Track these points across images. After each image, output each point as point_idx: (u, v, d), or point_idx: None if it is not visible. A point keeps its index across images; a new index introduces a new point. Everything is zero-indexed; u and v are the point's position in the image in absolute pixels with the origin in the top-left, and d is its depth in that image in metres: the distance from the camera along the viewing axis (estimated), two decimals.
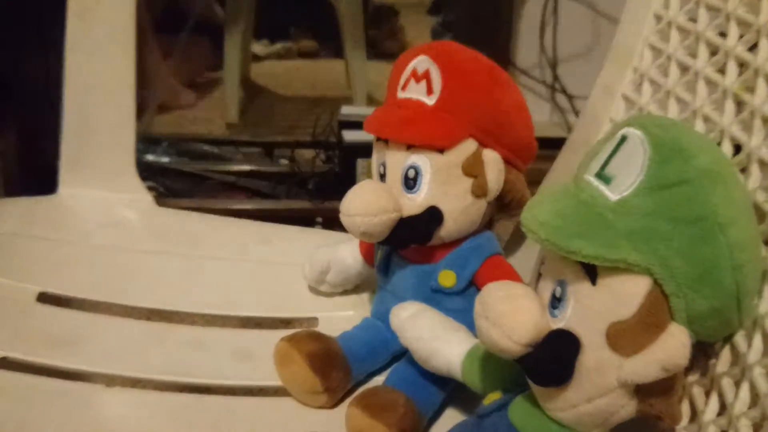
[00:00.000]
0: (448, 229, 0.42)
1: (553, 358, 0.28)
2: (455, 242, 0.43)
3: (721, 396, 0.34)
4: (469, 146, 0.41)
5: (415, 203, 0.41)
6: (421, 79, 0.41)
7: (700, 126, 0.42)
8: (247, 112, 1.45)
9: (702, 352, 0.37)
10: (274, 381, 0.44)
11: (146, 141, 1.17)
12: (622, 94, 0.50)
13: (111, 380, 0.49)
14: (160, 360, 0.47)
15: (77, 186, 0.60)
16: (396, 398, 0.39)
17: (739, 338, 0.34)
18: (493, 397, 0.35)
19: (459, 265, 0.42)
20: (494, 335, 0.28)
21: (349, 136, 1.03)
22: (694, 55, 0.44)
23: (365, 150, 0.98)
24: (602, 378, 0.28)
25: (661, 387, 0.29)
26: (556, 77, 1.19)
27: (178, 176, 1.11)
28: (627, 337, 0.27)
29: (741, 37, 0.41)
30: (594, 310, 0.28)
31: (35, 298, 0.50)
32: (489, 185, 0.42)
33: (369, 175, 0.45)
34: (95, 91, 0.60)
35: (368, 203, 0.40)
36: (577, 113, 1.16)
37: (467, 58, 0.43)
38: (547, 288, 0.30)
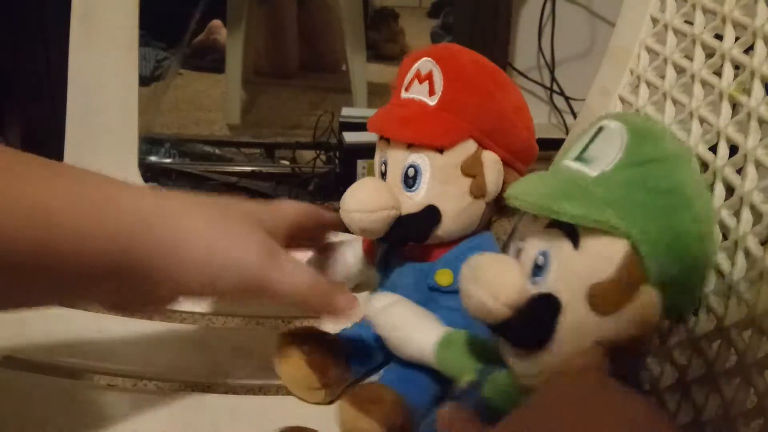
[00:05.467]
0: (446, 228, 0.42)
1: (536, 319, 0.30)
2: (453, 242, 0.43)
3: (720, 395, 0.35)
4: (468, 147, 0.41)
5: (413, 202, 0.41)
6: (424, 80, 0.42)
7: (696, 127, 0.43)
8: (248, 114, 1.46)
9: (700, 352, 0.37)
10: (275, 380, 0.45)
11: (149, 142, 1.17)
12: (619, 95, 0.50)
13: (112, 378, 0.50)
14: (162, 359, 0.47)
15: None
16: (384, 393, 0.39)
17: (738, 338, 0.35)
18: (467, 380, 0.36)
19: (456, 264, 0.43)
20: (483, 296, 0.30)
21: (350, 137, 1.03)
22: (690, 57, 0.45)
23: (366, 151, 0.99)
24: (581, 337, 0.30)
25: (630, 349, 0.31)
26: (554, 79, 1.20)
27: (180, 177, 1.12)
28: (606, 296, 0.29)
29: (737, 39, 0.41)
30: (576, 272, 0.29)
31: None
32: (488, 186, 0.42)
33: (370, 176, 0.45)
34: (98, 91, 0.61)
35: (367, 200, 0.40)
36: (574, 115, 1.16)
37: (469, 60, 0.43)
38: (528, 259, 0.31)
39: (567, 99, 1.19)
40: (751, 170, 0.37)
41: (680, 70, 0.45)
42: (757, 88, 0.38)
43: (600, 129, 0.32)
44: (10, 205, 0.27)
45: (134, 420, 0.42)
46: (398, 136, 0.42)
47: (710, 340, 0.37)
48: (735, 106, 0.40)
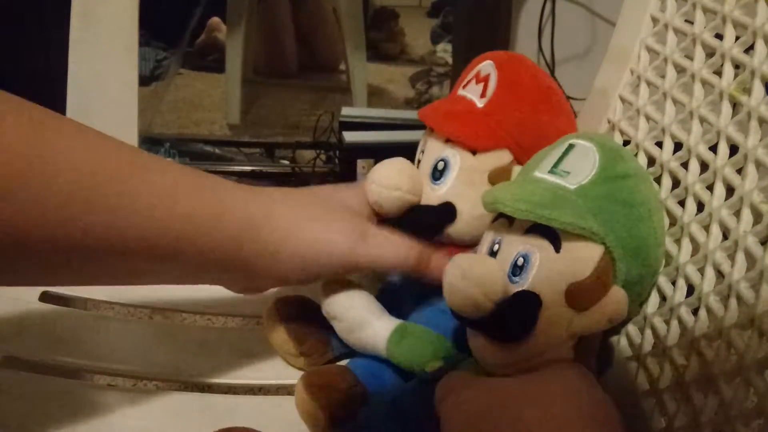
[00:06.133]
0: (459, 229, 0.42)
1: (520, 314, 0.32)
2: (464, 248, 0.43)
3: (719, 395, 0.35)
4: (502, 156, 0.42)
5: (435, 195, 0.42)
6: (480, 81, 0.43)
7: (696, 127, 0.43)
8: (248, 113, 1.46)
9: (699, 353, 0.37)
10: (276, 380, 0.45)
11: (148, 141, 1.17)
12: (620, 95, 0.50)
13: (113, 379, 0.50)
14: (162, 358, 0.47)
15: None
16: (339, 381, 0.40)
17: (737, 337, 0.35)
18: (435, 366, 0.37)
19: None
20: (473, 291, 0.32)
21: (350, 137, 1.03)
22: (690, 56, 0.45)
23: (365, 151, 0.99)
24: (555, 331, 0.33)
25: (591, 343, 0.35)
26: (554, 79, 1.20)
27: None
28: (582, 294, 0.33)
29: (737, 38, 0.41)
30: (557, 272, 0.33)
31: (37, 298, 0.50)
32: None
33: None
34: (98, 91, 0.61)
35: (387, 177, 0.41)
36: (575, 114, 1.16)
37: (528, 74, 0.44)
38: (506, 259, 0.34)
39: (567, 98, 1.19)
40: (751, 170, 0.37)
41: (680, 70, 0.45)
42: (758, 87, 0.38)
43: (570, 146, 0.36)
44: (169, 213, 0.34)
45: (135, 419, 0.42)
46: (439, 127, 0.43)
47: (709, 341, 0.37)
48: (735, 106, 0.40)
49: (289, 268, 0.38)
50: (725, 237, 0.38)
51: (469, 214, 0.42)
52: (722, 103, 0.41)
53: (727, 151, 0.40)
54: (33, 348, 0.46)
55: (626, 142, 0.49)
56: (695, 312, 0.38)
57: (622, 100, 0.50)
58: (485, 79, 0.43)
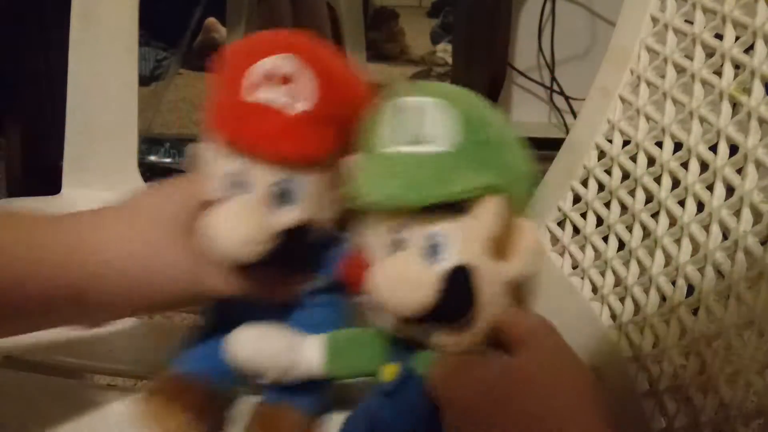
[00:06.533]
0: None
1: (459, 290, 0.32)
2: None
3: (718, 395, 0.35)
4: (337, 156, 0.38)
5: (287, 218, 0.37)
6: (283, 81, 0.36)
7: (696, 127, 0.43)
8: None
9: (699, 353, 0.37)
10: None
11: (149, 142, 1.17)
12: (619, 95, 0.50)
13: (113, 379, 0.50)
14: (162, 358, 0.47)
15: (80, 186, 0.60)
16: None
17: (736, 337, 0.35)
18: (392, 370, 0.35)
19: (319, 267, 0.40)
20: (407, 293, 0.32)
21: None
22: (690, 56, 0.45)
23: None
24: (494, 287, 0.33)
25: (518, 294, 0.35)
26: (554, 79, 1.20)
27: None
28: (501, 242, 0.33)
29: (737, 38, 0.41)
30: (471, 238, 0.32)
31: None
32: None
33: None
34: (98, 91, 0.61)
35: (237, 236, 0.36)
36: (574, 114, 1.16)
37: (337, 60, 0.39)
38: (416, 246, 0.33)
39: (567, 98, 1.19)
40: (751, 170, 0.37)
41: (680, 70, 0.45)
42: (757, 87, 0.38)
43: (414, 107, 0.34)
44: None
45: (134, 420, 0.42)
46: (272, 150, 0.36)
47: (709, 341, 0.37)
48: (735, 106, 0.40)
49: (128, 304, 0.36)
50: (725, 237, 0.38)
51: (327, 218, 0.39)
52: (722, 103, 0.41)
53: (727, 151, 0.40)
54: (32, 348, 0.46)
55: (626, 142, 0.49)
56: (695, 312, 0.38)
57: (622, 100, 0.50)
58: (291, 79, 0.36)
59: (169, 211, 0.37)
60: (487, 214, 0.32)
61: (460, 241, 0.32)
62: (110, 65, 0.61)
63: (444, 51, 2.07)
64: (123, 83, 0.61)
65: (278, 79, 0.36)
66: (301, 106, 0.36)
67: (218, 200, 0.37)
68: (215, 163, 0.38)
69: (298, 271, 0.40)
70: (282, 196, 0.37)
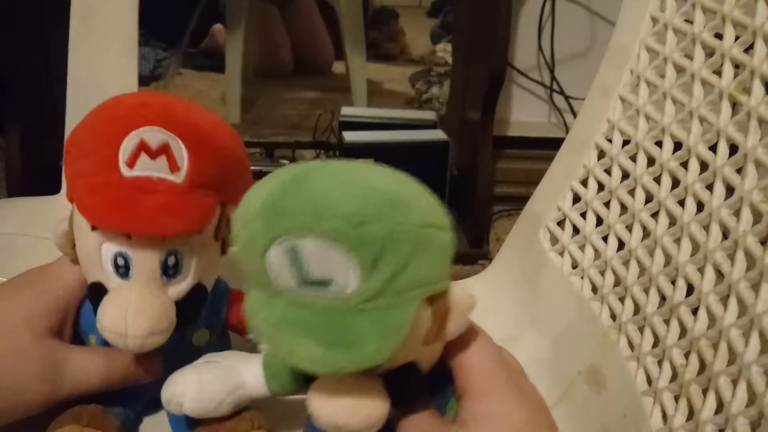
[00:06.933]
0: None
1: (403, 380, 0.30)
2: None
3: (718, 395, 0.35)
4: (218, 214, 0.38)
5: (178, 289, 0.37)
6: (157, 155, 0.35)
7: (696, 127, 0.43)
8: (248, 113, 1.46)
9: (699, 352, 0.37)
10: None
11: None
12: (619, 95, 0.50)
13: None
14: None
15: None
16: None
17: (737, 337, 0.35)
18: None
19: (210, 320, 0.41)
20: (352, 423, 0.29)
21: (350, 136, 1.03)
22: (690, 56, 0.45)
23: (366, 150, 0.99)
24: (436, 354, 0.31)
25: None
26: (554, 78, 1.20)
27: None
28: (436, 334, 0.30)
29: (737, 38, 0.41)
30: (409, 349, 0.29)
31: None
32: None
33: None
34: (97, 91, 0.60)
35: (141, 324, 0.34)
36: (574, 114, 1.16)
37: (206, 122, 0.37)
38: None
39: (567, 98, 1.19)
40: (751, 169, 0.37)
41: (680, 70, 0.45)
42: (757, 87, 0.38)
43: (292, 252, 0.26)
44: None
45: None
46: (158, 229, 0.34)
47: (709, 340, 0.37)
48: (735, 106, 0.40)
49: None
50: (725, 237, 0.38)
51: (213, 277, 0.39)
52: (722, 103, 0.41)
53: (727, 151, 0.40)
54: None
55: (626, 142, 0.49)
56: (695, 312, 0.38)
57: (622, 99, 0.50)
58: (164, 150, 0.34)
59: (19, 317, 0.36)
60: (419, 329, 0.29)
61: (396, 355, 0.28)
62: (110, 65, 0.61)
63: (444, 51, 2.07)
64: (123, 83, 0.61)
65: (152, 152, 0.34)
66: (177, 178, 0.35)
67: (97, 285, 0.36)
68: (90, 244, 0.35)
69: (190, 329, 0.39)
70: (173, 269, 0.36)
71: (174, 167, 0.35)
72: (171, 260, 0.36)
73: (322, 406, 0.29)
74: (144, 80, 1.51)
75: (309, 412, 0.29)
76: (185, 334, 0.39)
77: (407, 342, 0.28)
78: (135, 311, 0.34)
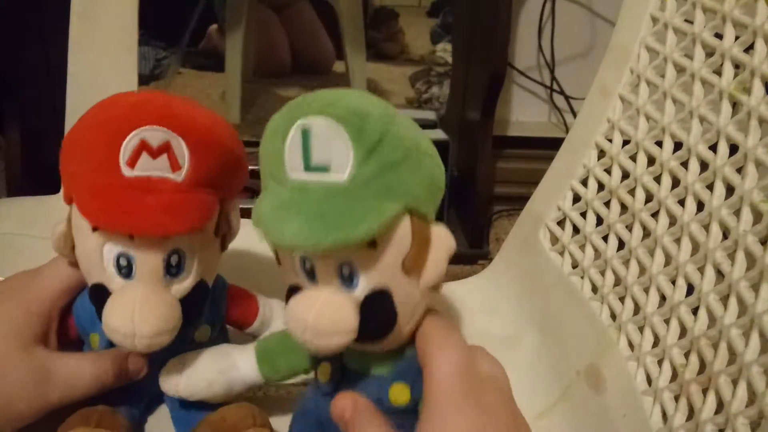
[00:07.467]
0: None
1: (380, 319, 0.32)
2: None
3: (718, 394, 0.35)
4: (217, 211, 0.38)
5: (182, 287, 0.37)
6: (159, 153, 0.34)
7: (696, 126, 0.43)
8: (248, 113, 1.46)
9: (699, 352, 0.37)
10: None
11: None
12: (619, 94, 0.50)
13: None
14: None
15: None
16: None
17: (737, 337, 0.35)
18: (327, 371, 0.36)
19: (211, 316, 0.41)
20: (336, 335, 0.31)
21: None
22: (690, 56, 0.45)
23: None
24: (412, 299, 0.33)
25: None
26: (554, 78, 1.20)
27: None
28: (415, 260, 0.32)
29: (737, 38, 0.41)
30: (385, 262, 0.31)
31: None
32: (234, 234, 0.40)
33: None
34: (97, 91, 0.60)
35: (151, 324, 0.35)
36: (575, 114, 1.16)
37: (207, 121, 0.37)
38: (330, 273, 0.32)
39: (567, 98, 1.19)
40: (751, 169, 0.37)
41: (680, 69, 0.45)
42: (757, 87, 0.38)
43: (305, 131, 0.31)
44: None
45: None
46: (160, 229, 0.34)
47: (709, 340, 0.37)
48: (735, 105, 0.40)
49: None
50: (725, 236, 0.38)
51: (213, 275, 0.40)
52: (722, 103, 0.41)
53: (727, 151, 0.40)
54: None
55: (626, 142, 0.49)
56: (695, 311, 0.38)
57: (622, 99, 0.50)
58: (165, 149, 0.34)
59: (4, 326, 0.36)
60: (395, 238, 0.31)
61: (375, 267, 0.31)
62: (110, 65, 0.61)
63: (444, 50, 2.07)
64: (123, 83, 0.61)
65: (152, 151, 0.34)
66: (179, 177, 0.35)
67: (99, 286, 0.36)
68: (90, 245, 0.35)
69: (192, 328, 0.40)
70: (176, 268, 0.36)
71: (175, 166, 0.35)
72: (174, 259, 0.36)
73: (296, 307, 0.31)
74: (144, 79, 1.50)
75: (284, 320, 0.32)
76: (188, 331, 0.40)
77: (386, 251, 0.31)
78: (141, 312, 0.34)
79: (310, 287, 0.33)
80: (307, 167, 0.31)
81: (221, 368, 0.39)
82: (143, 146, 0.34)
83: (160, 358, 0.39)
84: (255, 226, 0.31)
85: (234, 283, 0.43)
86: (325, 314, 0.31)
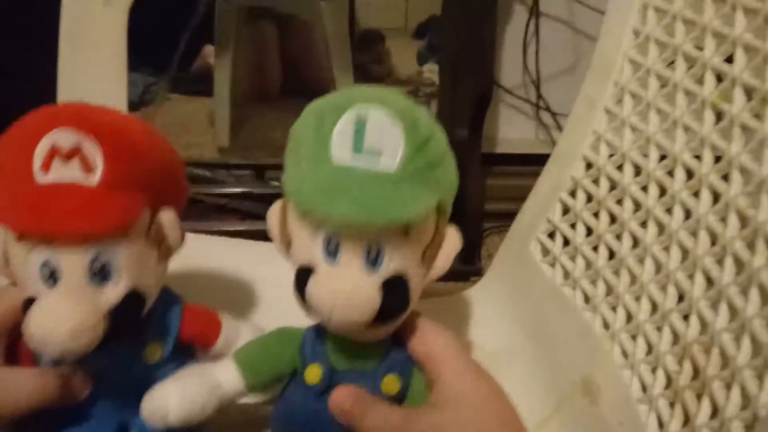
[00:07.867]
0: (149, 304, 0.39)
1: (396, 302, 0.34)
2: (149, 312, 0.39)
3: (712, 399, 0.35)
4: (146, 216, 0.37)
5: (114, 293, 0.36)
6: (70, 156, 0.34)
7: (680, 136, 0.43)
8: (237, 136, 1.46)
9: (691, 358, 0.37)
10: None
11: None
12: (604, 107, 0.51)
13: None
14: None
15: None
16: None
17: (729, 341, 0.35)
18: (317, 372, 0.36)
19: (159, 333, 0.40)
20: (359, 320, 0.33)
21: None
22: (672, 67, 0.45)
23: None
24: (419, 288, 0.36)
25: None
26: (539, 95, 1.21)
27: None
28: (432, 250, 0.35)
29: (717, 48, 0.42)
30: (410, 250, 0.34)
31: None
32: (173, 246, 0.39)
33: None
34: None
35: (76, 337, 0.34)
36: (561, 130, 1.17)
37: (122, 123, 0.37)
38: (357, 254, 0.33)
39: (553, 114, 1.20)
40: (736, 176, 0.38)
41: (663, 81, 0.46)
42: (739, 95, 0.39)
43: (361, 119, 0.33)
44: None
45: None
46: (77, 231, 0.34)
47: (701, 346, 0.37)
48: (718, 114, 0.41)
49: None
50: (713, 243, 0.38)
51: (155, 284, 0.39)
52: (705, 112, 0.41)
53: (712, 159, 0.40)
54: None
55: (613, 153, 0.49)
56: (686, 318, 0.39)
57: (607, 111, 0.50)
58: (76, 152, 0.34)
59: None
60: (425, 230, 0.35)
61: (399, 252, 0.34)
62: (99, 91, 0.61)
63: (431, 71, 2.09)
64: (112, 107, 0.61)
65: (64, 154, 0.34)
66: (93, 178, 0.34)
67: (30, 297, 0.35)
68: (20, 257, 0.35)
69: (135, 342, 0.39)
70: (100, 274, 0.35)
71: (88, 167, 0.35)
72: (97, 264, 0.35)
73: (325, 285, 0.33)
74: (133, 105, 1.51)
75: (307, 300, 0.33)
76: (136, 351, 0.39)
77: (414, 240, 0.34)
78: (55, 316, 0.33)
79: (327, 266, 0.34)
80: (359, 149, 0.33)
81: (209, 388, 0.38)
82: (55, 150, 0.34)
83: (113, 380, 0.38)
84: (294, 201, 0.34)
85: (191, 301, 0.42)
86: (359, 294, 0.32)
